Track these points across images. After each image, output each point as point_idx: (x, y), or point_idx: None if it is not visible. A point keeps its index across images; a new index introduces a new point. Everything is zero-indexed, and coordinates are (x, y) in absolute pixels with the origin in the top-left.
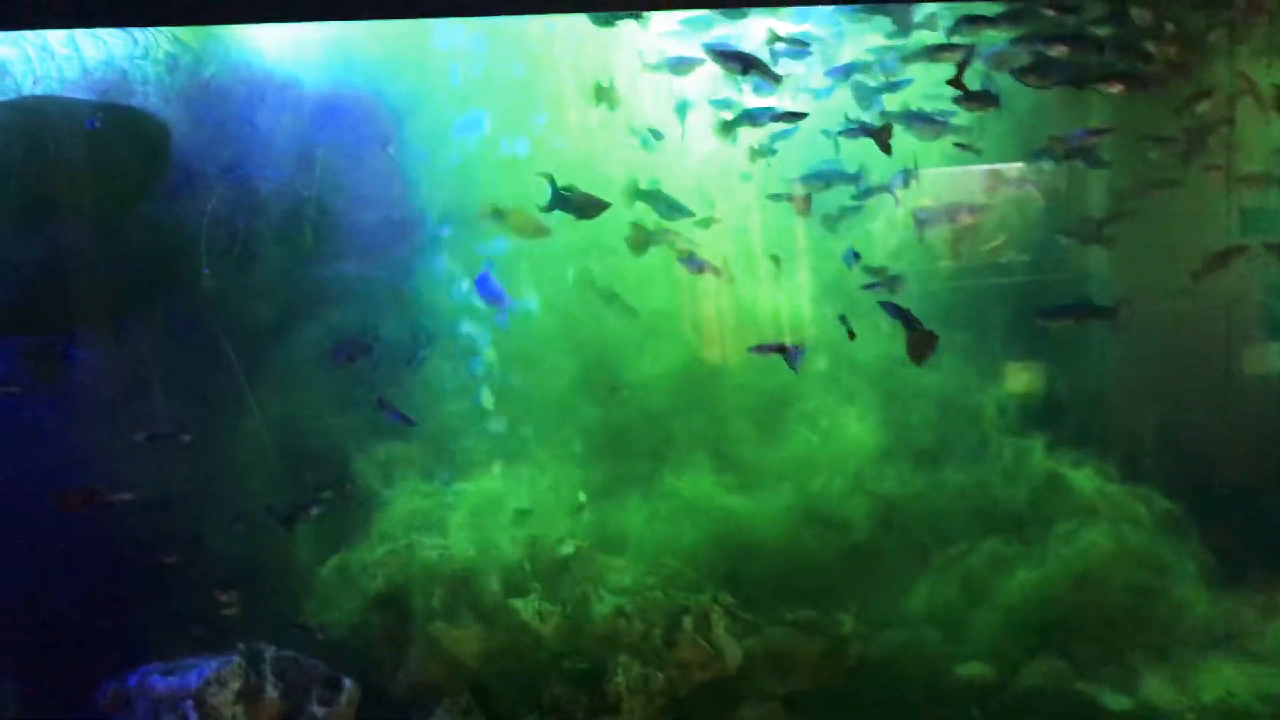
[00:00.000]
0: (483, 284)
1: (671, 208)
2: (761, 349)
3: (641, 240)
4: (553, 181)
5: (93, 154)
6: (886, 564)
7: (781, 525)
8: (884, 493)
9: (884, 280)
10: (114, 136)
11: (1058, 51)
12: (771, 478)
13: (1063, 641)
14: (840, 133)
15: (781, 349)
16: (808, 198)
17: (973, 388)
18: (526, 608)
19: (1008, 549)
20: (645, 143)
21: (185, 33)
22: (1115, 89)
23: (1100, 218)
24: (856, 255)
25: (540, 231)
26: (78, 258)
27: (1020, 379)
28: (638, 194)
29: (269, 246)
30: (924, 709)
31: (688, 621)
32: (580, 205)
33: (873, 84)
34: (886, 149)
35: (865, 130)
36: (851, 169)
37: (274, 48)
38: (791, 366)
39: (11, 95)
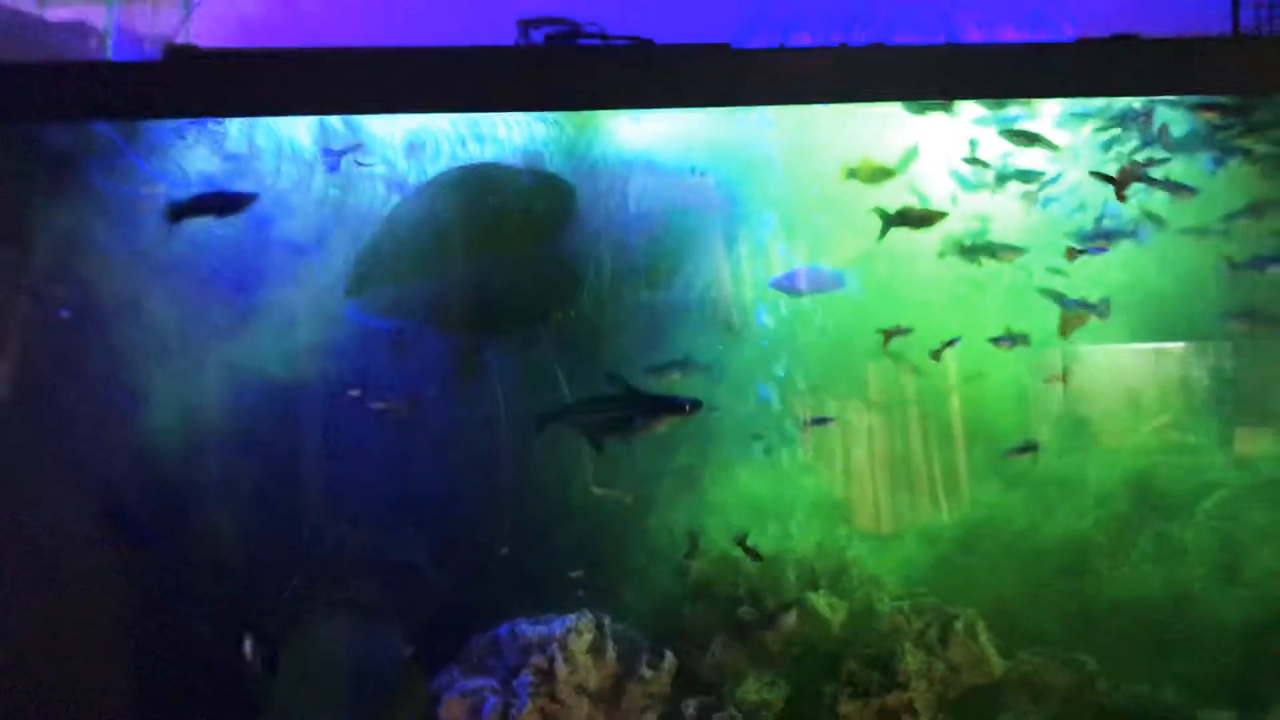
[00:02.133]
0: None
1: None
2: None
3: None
4: (883, 211)
5: (521, 204)
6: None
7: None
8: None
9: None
10: (538, 193)
11: None
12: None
13: None
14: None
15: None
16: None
17: None
18: (819, 600)
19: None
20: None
21: (576, 120)
22: None
23: None
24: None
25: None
26: (504, 281)
27: None
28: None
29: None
30: None
31: (959, 625)
32: (920, 219)
33: None
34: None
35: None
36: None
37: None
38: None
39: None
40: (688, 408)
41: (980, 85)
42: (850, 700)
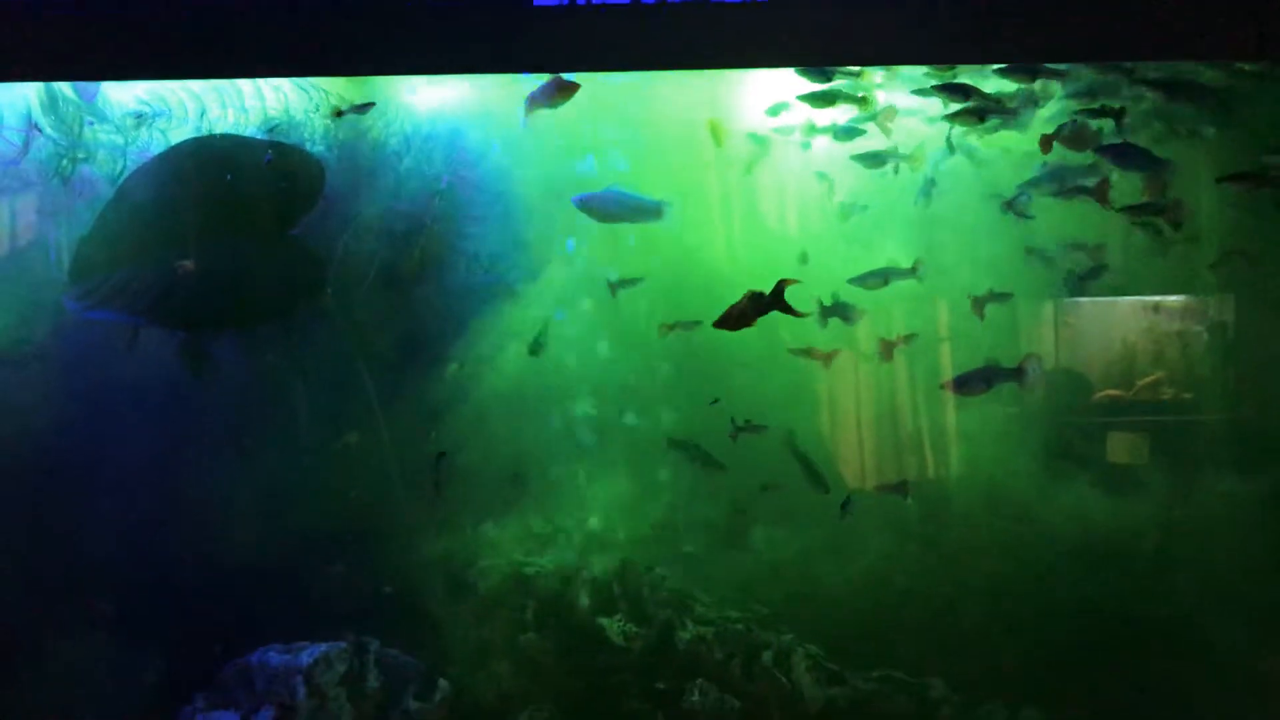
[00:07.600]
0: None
1: None
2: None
3: None
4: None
5: (259, 184)
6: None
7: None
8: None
9: None
10: (278, 171)
11: None
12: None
13: None
14: None
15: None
16: None
17: None
18: (612, 627)
19: None
20: None
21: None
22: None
23: None
24: None
25: None
26: (237, 269)
27: None
28: None
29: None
30: None
31: (768, 656)
32: None
33: None
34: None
35: None
36: None
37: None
38: None
39: (204, 134)
40: None
41: None
42: None
